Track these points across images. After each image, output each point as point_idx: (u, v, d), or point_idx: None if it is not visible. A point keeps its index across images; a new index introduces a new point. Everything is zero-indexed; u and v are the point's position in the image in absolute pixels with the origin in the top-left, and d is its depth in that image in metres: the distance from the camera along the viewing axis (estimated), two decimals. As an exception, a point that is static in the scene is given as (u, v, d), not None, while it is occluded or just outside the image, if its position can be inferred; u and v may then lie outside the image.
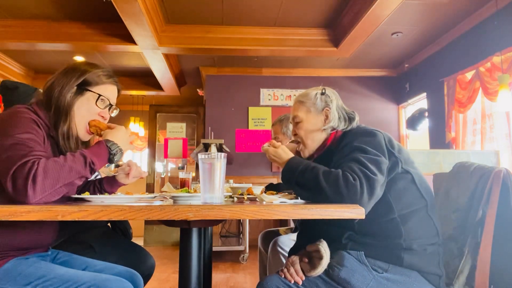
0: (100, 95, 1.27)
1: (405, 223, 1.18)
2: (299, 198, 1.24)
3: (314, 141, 1.39)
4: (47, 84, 1.25)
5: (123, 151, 1.21)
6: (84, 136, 1.28)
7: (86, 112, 1.26)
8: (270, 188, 2.19)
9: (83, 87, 1.25)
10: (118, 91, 1.36)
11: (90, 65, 1.30)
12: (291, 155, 1.30)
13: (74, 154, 1.09)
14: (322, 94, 1.41)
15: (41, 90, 1.29)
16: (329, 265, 1.16)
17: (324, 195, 1.11)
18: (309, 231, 1.37)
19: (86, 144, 1.35)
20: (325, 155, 1.37)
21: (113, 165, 1.50)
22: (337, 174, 1.12)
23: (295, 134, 1.45)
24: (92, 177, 1.48)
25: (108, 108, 1.31)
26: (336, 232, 1.25)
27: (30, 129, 1.11)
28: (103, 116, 1.30)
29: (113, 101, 1.33)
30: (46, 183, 0.99)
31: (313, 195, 1.15)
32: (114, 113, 1.36)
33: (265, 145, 1.36)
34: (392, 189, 1.20)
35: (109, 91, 1.31)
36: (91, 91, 1.26)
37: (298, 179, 1.18)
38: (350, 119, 1.39)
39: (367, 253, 1.18)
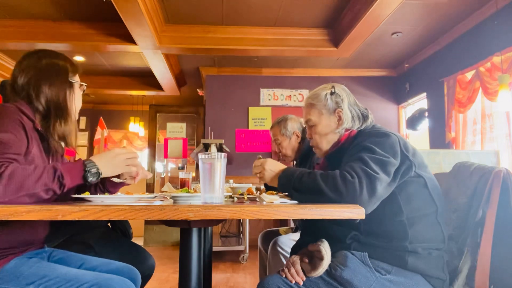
0: (82, 84, 1.35)
1: (412, 226, 1.17)
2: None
3: (329, 142, 1.38)
4: (29, 83, 1.23)
5: (101, 173, 1.15)
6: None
7: (78, 102, 1.36)
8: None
9: (71, 81, 1.31)
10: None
11: (59, 57, 1.33)
12: (283, 166, 1.29)
13: (46, 166, 1.06)
14: (332, 94, 1.38)
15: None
16: (332, 265, 1.16)
17: (324, 196, 1.10)
18: (312, 230, 1.37)
19: (66, 139, 1.35)
20: (338, 152, 1.36)
21: None
22: (334, 174, 1.12)
23: (311, 138, 1.44)
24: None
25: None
26: (340, 232, 1.24)
27: (11, 129, 1.10)
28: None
29: None
30: (9, 188, 0.97)
31: (312, 198, 1.13)
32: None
33: (256, 169, 1.32)
34: (403, 192, 1.19)
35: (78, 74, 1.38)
36: (76, 81, 1.33)
37: (296, 184, 1.17)
38: (364, 116, 1.37)
39: (371, 254, 1.18)
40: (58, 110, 1.25)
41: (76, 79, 1.33)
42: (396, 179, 1.17)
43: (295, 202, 1.15)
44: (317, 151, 1.44)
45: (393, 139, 1.22)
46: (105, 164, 1.18)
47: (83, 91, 1.40)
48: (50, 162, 1.26)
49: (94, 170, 1.14)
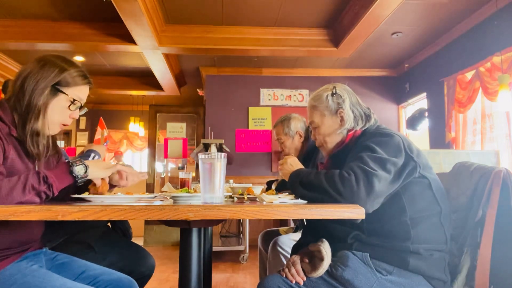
0: (74, 100, 1.25)
1: (415, 227, 1.17)
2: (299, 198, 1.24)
3: (332, 142, 1.40)
4: (21, 75, 1.21)
5: (87, 166, 1.16)
6: (54, 132, 1.28)
7: (59, 114, 1.24)
8: (271, 184, 2.20)
9: (57, 88, 1.22)
10: (90, 88, 1.34)
11: (67, 63, 1.26)
12: (302, 166, 1.35)
13: (30, 172, 1.07)
14: (333, 94, 1.39)
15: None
16: (333, 265, 1.16)
17: (325, 194, 1.12)
18: (314, 228, 1.37)
19: (55, 142, 1.33)
20: (342, 152, 1.37)
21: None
22: (333, 172, 1.14)
23: (315, 139, 1.46)
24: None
25: (78, 108, 1.30)
26: (342, 231, 1.25)
27: None
28: (73, 117, 1.29)
29: (84, 101, 1.31)
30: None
31: (316, 195, 1.15)
32: (82, 112, 1.34)
33: (282, 160, 1.41)
34: (408, 192, 1.20)
35: (83, 92, 1.29)
36: (65, 94, 1.23)
37: (303, 180, 1.21)
38: (367, 116, 1.38)
39: (372, 254, 1.18)
40: (28, 110, 1.17)
41: (67, 91, 1.23)
42: (400, 178, 1.17)
43: (295, 202, 1.15)
44: (322, 151, 1.46)
45: (396, 140, 1.22)
46: (92, 163, 1.19)
47: (77, 109, 1.28)
48: (37, 167, 1.24)
49: (79, 165, 1.14)
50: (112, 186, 1.41)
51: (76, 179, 1.14)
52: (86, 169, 1.16)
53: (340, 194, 1.09)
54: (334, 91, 1.39)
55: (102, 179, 1.25)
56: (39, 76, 1.20)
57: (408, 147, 1.22)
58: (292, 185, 1.26)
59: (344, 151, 1.36)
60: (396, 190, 1.18)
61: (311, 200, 1.18)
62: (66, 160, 1.16)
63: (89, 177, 1.18)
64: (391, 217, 1.19)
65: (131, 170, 1.37)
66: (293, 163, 1.35)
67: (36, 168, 1.23)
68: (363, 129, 1.37)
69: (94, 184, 1.25)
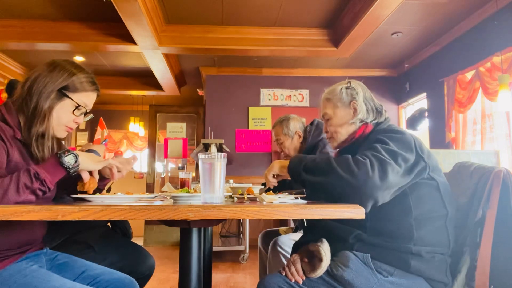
0: (78, 105, 1.25)
1: (419, 228, 1.17)
2: (299, 198, 1.24)
3: (343, 134, 1.40)
4: (30, 78, 1.21)
5: (77, 155, 1.13)
6: (61, 135, 1.27)
7: (63, 118, 1.24)
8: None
9: (64, 92, 1.22)
10: (98, 95, 1.34)
11: (76, 68, 1.26)
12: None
13: (20, 171, 1.05)
14: (347, 88, 1.41)
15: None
16: (333, 265, 1.15)
17: (335, 175, 1.09)
18: (315, 227, 1.37)
19: (60, 145, 1.33)
20: (352, 146, 1.36)
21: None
22: (347, 157, 1.13)
23: (326, 131, 1.46)
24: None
25: (83, 114, 1.30)
26: (344, 230, 1.24)
27: None
28: (77, 122, 1.29)
29: (90, 107, 1.31)
30: None
31: (323, 178, 1.13)
32: (87, 118, 1.34)
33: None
34: (415, 193, 1.19)
35: (89, 98, 1.29)
36: (71, 99, 1.23)
37: (307, 165, 1.18)
38: (379, 111, 1.39)
39: (374, 255, 1.17)
40: (34, 112, 1.17)
41: (74, 96, 1.23)
42: (411, 174, 1.15)
43: (295, 202, 1.15)
44: (333, 143, 1.45)
45: (408, 137, 1.22)
46: (83, 154, 1.18)
47: (81, 115, 1.28)
48: None
49: (68, 155, 1.12)
50: (104, 179, 1.39)
51: (68, 169, 1.12)
52: (76, 158, 1.13)
53: (354, 175, 1.07)
54: (348, 85, 1.42)
55: (91, 176, 1.24)
56: (48, 79, 1.20)
57: (419, 147, 1.21)
58: (293, 172, 1.23)
59: (354, 145, 1.35)
60: (403, 189, 1.17)
61: (316, 186, 1.16)
62: (55, 152, 1.14)
63: (81, 167, 1.16)
64: (395, 216, 1.18)
65: (121, 159, 1.35)
66: (279, 163, 1.33)
67: None
68: (374, 123, 1.37)
69: (82, 181, 1.23)
